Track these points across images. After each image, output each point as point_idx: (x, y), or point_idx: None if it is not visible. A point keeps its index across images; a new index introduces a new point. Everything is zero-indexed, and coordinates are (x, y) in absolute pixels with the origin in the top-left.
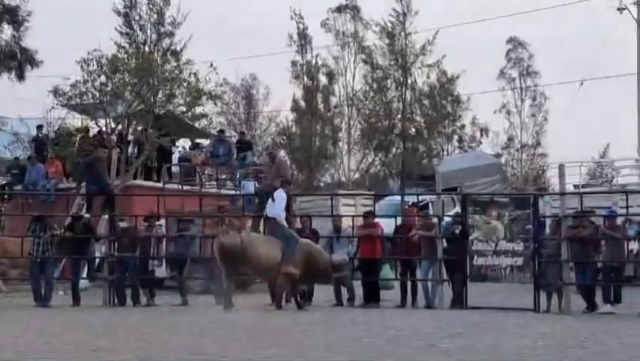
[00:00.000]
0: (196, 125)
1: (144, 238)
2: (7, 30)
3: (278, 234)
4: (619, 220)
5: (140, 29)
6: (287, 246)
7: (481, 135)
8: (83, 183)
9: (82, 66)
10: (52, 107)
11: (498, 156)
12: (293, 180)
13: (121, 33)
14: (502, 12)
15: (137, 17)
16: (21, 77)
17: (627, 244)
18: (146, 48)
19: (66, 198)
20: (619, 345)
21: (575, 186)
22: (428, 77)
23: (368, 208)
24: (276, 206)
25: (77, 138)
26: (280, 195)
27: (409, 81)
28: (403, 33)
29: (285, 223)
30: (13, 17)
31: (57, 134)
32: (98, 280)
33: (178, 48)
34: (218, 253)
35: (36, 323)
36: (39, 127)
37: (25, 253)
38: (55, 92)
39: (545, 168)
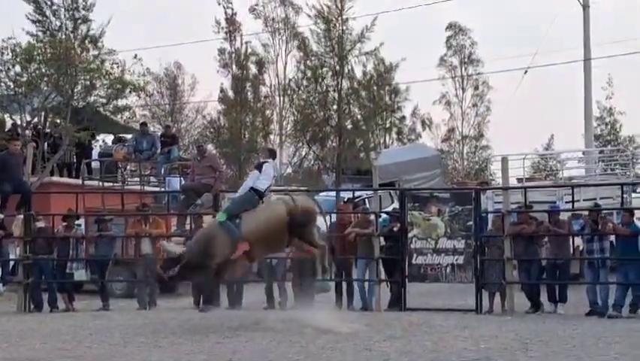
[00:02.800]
0: (118, 118)
1: (62, 238)
2: None
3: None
4: (564, 215)
5: (54, 15)
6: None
7: (424, 128)
8: None
9: None
10: None
11: (438, 148)
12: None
13: (33, 21)
14: None
15: (48, 2)
16: None
17: (573, 240)
18: (62, 35)
19: None
20: (565, 347)
21: (518, 180)
22: (365, 65)
23: None
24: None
25: None
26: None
27: (346, 70)
28: (340, 19)
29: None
30: None
31: None
32: (13, 283)
33: (97, 35)
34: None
35: None
36: None
37: None
38: None
39: (488, 161)
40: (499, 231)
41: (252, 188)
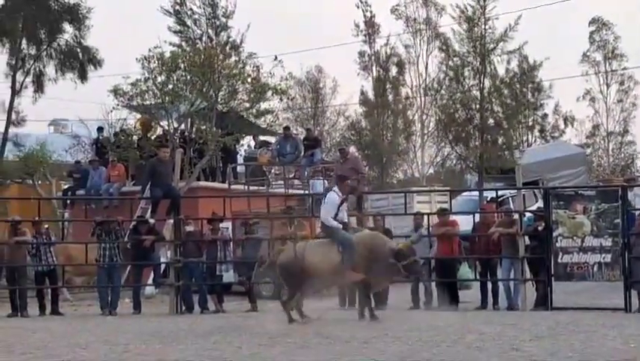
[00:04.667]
0: (261, 122)
1: (210, 241)
2: (68, 29)
3: (333, 238)
4: None
5: (195, 24)
6: (343, 250)
7: (565, 125)
8: (147, 187)
9: (142, 64)
10: (113, 108)
11: (583, 145)
12: (365, 176)
13: (175, 32)
14: None
15: (189, 12)
16: (83, 77)
17: None
18: (203, 43)
19: (130, 203)
20: None
21: None
22: (509, 63)
23: (444, 205)
24: (324, 207)
25: (138, 139)
26: (331, 196)
27: (488, 69)
28: (482, 18)
29: (333, 224)
30: (74, 16)
31: (118, 136)
32: (165, 286)
33: (237, 41)
34: (279, 272)
35: (104, 332)
36: (100, 129)
37: (90, 260)
38: (116, 91)
39: (634, 157)
40: None
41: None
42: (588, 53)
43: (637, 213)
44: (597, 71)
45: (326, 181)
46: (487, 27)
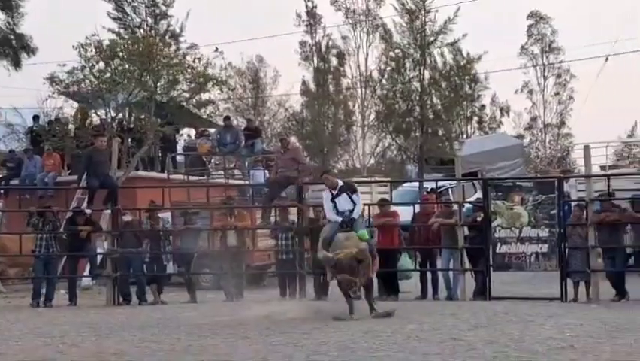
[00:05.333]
0: (201, 112)
1: (152, 232)
2: (1, 16)
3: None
4: None
5: (134, 12)
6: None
7: (502, 115)
8: (84, 176)
9: (79, 52)
10: (49, 96)
11: (520, 137)
12: (307, 167)
13: (114, 18)
14: None
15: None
16: (17, 64)
17: None
18: (142, 32)
19: (66, 193)
20: None
21: (601, 167)
22: (442, 55)
23: (384, 196)
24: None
25: (74, 128)
26: (323, 195)
27: (428, 61)
28: (423, 10)
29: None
30: (6, 2)
31: (53, 125)
32: (102, 277)
33: (177, 30)
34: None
35: (38, 324)
36: (35, 117)
37: (24, 251)
38: (52, 79)
39: (570, 149)
40: (579, 219)
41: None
42: (526, 46)
43: (573, 204)
44: (535, 64)
45: (266, 171)
46: (427, 19)
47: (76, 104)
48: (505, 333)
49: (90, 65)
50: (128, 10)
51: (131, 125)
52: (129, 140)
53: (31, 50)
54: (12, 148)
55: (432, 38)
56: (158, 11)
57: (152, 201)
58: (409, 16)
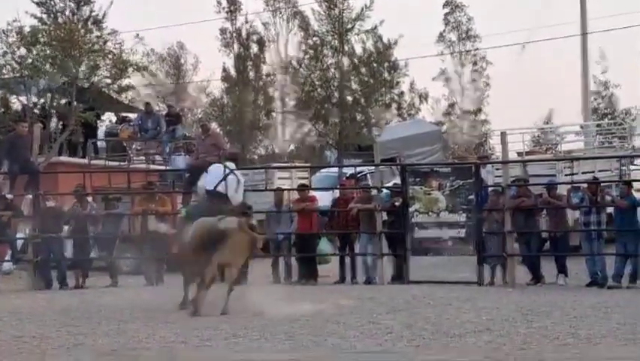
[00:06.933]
0: (122, 98)
1: (79, 215)
2: None
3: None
4: (563, 189)
5: None
6: None
7: (421, 102)
8: (5, 162)
9: (0, 38)
10: None
11: (438, 123)
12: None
13: (37, 3)
14: None
15: None
16: None
17: (572, 213)
18: (65, 17)
19: None
20: (565, 317)
21: (518, 153)
22: (364, 42)
23: (304, 181)
24: (240, 188)
25: None
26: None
27: (346, 48)
28: None
29: None
30: None
31: None
32: (22, 262)
33: (99, 16)
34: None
35: None
36: None
37: None
38: None
39: (487, 135)
40: (496, 205)
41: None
42: (443, 34)
43: (490, 189)
44: (452, 51)
45: (187, 157)
46: (344, 7)
47: None
48: (423, 317)
49: (12, 50)
50: None
51: (53, 111)
52: (51, 125)
53: None
54: None
55: (349, 25)
56: None
57: (80, 184)
58: (327, 3)
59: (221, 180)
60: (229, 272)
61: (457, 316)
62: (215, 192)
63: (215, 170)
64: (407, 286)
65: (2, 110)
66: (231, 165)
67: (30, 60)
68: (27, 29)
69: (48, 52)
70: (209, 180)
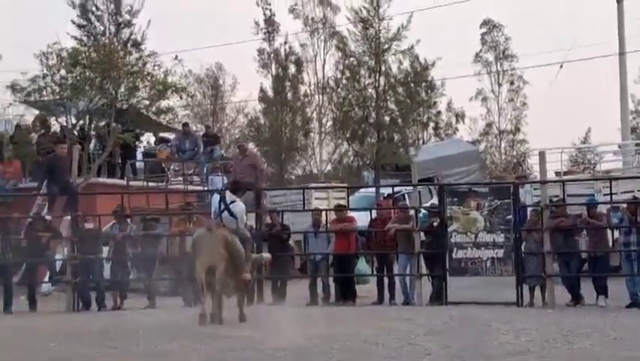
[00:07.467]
0: (161, 119)
1: (117, 237)
2: None
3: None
4: (603, 208)
5: (98, 20)
6: (246, 248)
7: (457, 121)
8: (44, 183)
9: (41, 60)
10: (10, 104)
11: (476, 143)
12: (264, 173)
13: (78, 26)
14: None
15: (93, 8)
16: None
17: (612, 233)
18: (105, 40)
19: (26, 199)
20: (606, 339)
21: (556, 173)
22: (401, 63)
23: (341, 201)
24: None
25: (36, 135)
26: (240, 207)
27: (383, 68)
28: (376, 18)
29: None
30: None
31: (15, 132)
32: (61, 283)
33: (138, 38)
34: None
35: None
36: None
37: None
38: (13, 87)
39: (525, 155)
40: (535, 225)
41: None
42: (480, 54)
43: (529, 209)
44: (489, 70)
45: (225, 177)
46: (380, 27)
47: (37, 112)
48: (462, 338)
49: (52, 72)
50: (92, 18)
51: (92, 132)
52: (90, 146)
53: None
54: None
55: (386, 46)
56: (121, 20)
57: (119, 205)
58: (363, 24)
59: (221, 212)
60: (216, 274)
61: (496, 337)
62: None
63: (215, 201)
64: (446, 307)
65: (42, 131)
66: (229, 196)
67: (70, 82)
68: (68, 50)
69: (88, 74)
70: (213, 209)
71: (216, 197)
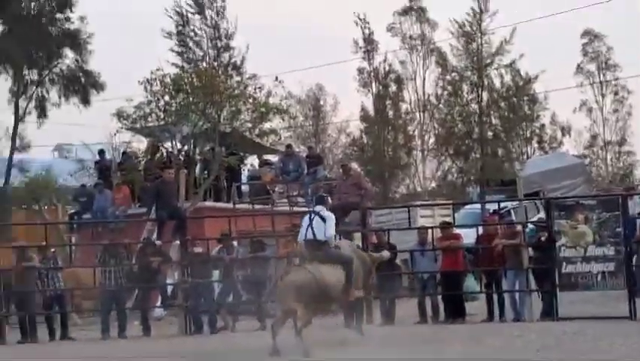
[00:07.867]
0: (264, 141)
1: (226, 260)
2: (70, 54)
3: (332, 257)
4: None
5: (197, 46)
6: (347, 268)
7: (563, 135)
8: (153, 208)
9: (145, 87)
10: (117, 132)
11: (581, 156)
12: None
13: (177, 53)
14: (576, 4)
15: (191, 34)
16: (86, 101)
17: None
18: (205, 64)
19: (136, 225)
20: None
21: None
22: (502, 77)
23: (447, 219)
24: (328, 226)
25: (143, 161)
26: (330, 214)
27: (486, 82)
28: (479, 32)
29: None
30: (75, 41)
31: (122, 159)
32: (173, 308)
33: (238, 62)
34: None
35: (113, 354)
36: (101, 152)
37: (98, 284)
38: (119, 115)
39: (633, 166)
40: None
41: None
42: (582, 65)
43: (638, 221)
44: (592, 81)
45: (329, 198)
46: (483, 41)
47: (143, 138)
48: (575, 353)
49: (156, 99)
50: (191, 44)
51: (197, 157)
52: (195, 171)
53: (99, 86)
54: (83, 183)
55: (488, 60)
56: (220, 44)
57: (226, 229)
58: (466, 38)
59: (307, 228)
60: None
61: (610, 351)
62: (306, 240)
63: (304, 220)
64: (557, 322)
65: (149, 157)
66: (318, 207)
67: (174, 107)
68: (171, 76)
69: (191, 99)
70: (301, 231)
71: (306, 219)
